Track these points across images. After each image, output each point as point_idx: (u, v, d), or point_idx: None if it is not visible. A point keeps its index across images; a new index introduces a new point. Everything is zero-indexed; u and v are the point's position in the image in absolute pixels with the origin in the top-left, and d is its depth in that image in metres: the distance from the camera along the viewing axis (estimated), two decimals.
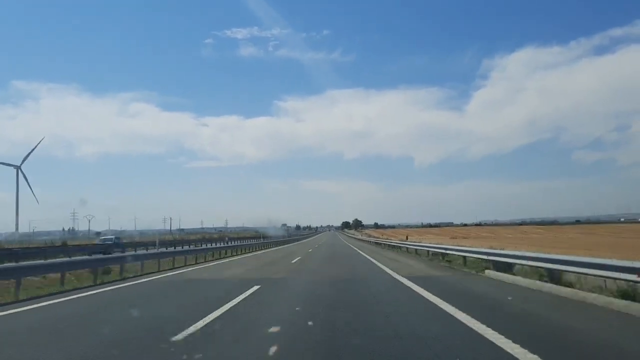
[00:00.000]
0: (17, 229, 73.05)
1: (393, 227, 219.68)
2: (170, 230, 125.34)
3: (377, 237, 63.90)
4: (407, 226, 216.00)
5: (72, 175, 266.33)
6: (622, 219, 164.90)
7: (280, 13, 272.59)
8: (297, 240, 71.66)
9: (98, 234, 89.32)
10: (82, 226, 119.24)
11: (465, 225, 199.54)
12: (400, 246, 30.33)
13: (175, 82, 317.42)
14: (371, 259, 21.63)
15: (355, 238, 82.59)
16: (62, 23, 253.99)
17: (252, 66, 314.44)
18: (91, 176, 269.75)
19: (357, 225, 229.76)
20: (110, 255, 18.86)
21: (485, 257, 12.82)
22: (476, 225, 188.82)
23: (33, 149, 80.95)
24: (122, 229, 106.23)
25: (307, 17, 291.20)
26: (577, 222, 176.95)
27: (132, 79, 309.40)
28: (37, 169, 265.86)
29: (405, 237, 65.18)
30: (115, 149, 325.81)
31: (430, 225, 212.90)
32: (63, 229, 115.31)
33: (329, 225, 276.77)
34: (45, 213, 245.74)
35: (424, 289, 9.47)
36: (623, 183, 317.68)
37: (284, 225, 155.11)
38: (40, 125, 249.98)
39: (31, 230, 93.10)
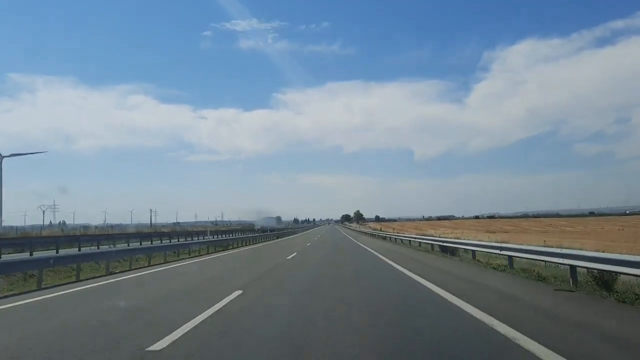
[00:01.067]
0: (0, 222, 64.69)
1: (394, 220, 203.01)
2: (150, 223, 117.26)
3: (384, 231, 47.41)
4: (408, 219, 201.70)
5: (69, 168, 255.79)
6: (627, 212, 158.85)
7: (280, 5, 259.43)
8: (282, 236, 54.92)
9: (86, 227, 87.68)
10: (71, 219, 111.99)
11: (477, 217, 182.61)
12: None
13: (174, 74, 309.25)
14: None
15: (363, 233, 65.75)
16: (59, 15, 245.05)
17: (251, 58, 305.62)
18: (87, 169, 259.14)
19: (359, 218, 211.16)
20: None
21: None
22: (490, 217, 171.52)
23: (29, 153, 71.91)
24: (118, 223, 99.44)
25: (307, 9, 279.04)
26: (592, 214, 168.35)
27: (130, 71, 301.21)
28: (33, 162, 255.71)
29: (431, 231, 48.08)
30: (112, 141, 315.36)
31: (432, 218, 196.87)
32: (51, 222, 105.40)
33: (328, 219, 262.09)
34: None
35: None
36: (623, 175, 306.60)
37: (278, 217, 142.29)
38: (37, 118, 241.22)
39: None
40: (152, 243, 29.23)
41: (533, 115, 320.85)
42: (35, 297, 8.78)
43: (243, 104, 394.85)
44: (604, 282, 7.85)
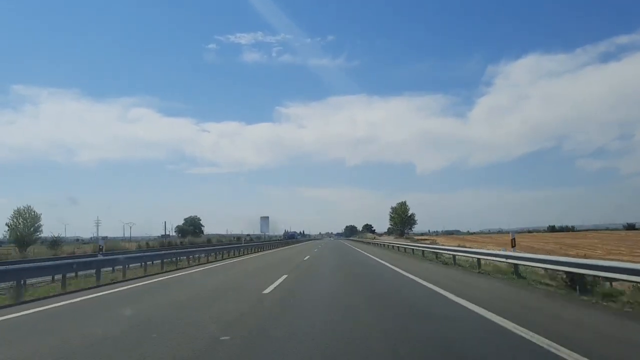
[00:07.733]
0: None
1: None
2: (100, 235, 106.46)
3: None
4: (418, 233, 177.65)
5: (71, 181, 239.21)
6: None
7: (285, 18, 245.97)
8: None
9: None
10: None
11: (506, 232, 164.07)
12: None
13: (177, 87, 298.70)
14: None
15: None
16: (63, 26, 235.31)
17: (255, 72, 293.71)
18: (90, 182, 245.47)
19: (405, 221, 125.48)
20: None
21: None
22: (529, 232, 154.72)
23: None
24: (110, 236, 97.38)
25: (312, 22, 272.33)
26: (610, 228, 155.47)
27: (133, 83, 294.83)
28: (36, 174, 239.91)
29: None
30: (114, 154, 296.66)
31: (438, 233, 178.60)
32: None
33: (328, 233, 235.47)
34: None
35: None
36: (627, 192, 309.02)
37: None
38: (40, 130, 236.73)
39: None
40: None
41: (536, 130, 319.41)
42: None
43: (246, 117, 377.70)
44: None
